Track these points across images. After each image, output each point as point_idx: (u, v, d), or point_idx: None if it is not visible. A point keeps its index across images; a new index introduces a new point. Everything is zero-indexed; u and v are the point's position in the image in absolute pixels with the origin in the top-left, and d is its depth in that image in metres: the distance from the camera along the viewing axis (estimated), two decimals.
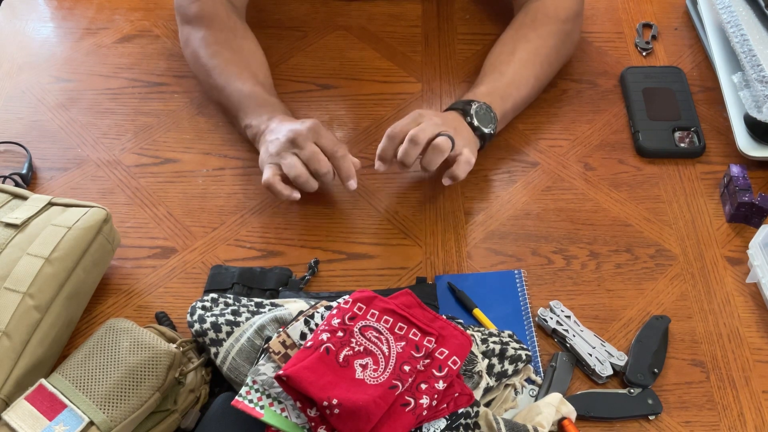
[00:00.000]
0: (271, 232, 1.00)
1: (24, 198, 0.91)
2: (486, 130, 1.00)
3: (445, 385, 0.75)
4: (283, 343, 0.77)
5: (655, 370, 0.86)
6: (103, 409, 0.74)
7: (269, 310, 0.84)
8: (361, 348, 0.76)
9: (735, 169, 1.00)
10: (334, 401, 0.70)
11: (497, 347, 0.83)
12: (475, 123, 0.99)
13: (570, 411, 0.81)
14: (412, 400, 0.73)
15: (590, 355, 0.87)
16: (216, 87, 1.08)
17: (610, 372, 0.86)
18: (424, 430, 0.74)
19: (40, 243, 0.85)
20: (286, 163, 0.94)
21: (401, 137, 0.95)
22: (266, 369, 0.75)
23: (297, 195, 0.94)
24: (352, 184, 0.95)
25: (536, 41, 1.08)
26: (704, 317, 0.92)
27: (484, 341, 0.84)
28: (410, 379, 0.74)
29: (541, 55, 1.08)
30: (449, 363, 0.76)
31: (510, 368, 0.83)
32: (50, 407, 0.74)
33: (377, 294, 0.81)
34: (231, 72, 1.07)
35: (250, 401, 0.74)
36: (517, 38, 1.09)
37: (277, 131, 0.97)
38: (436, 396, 0.74)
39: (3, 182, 1.00)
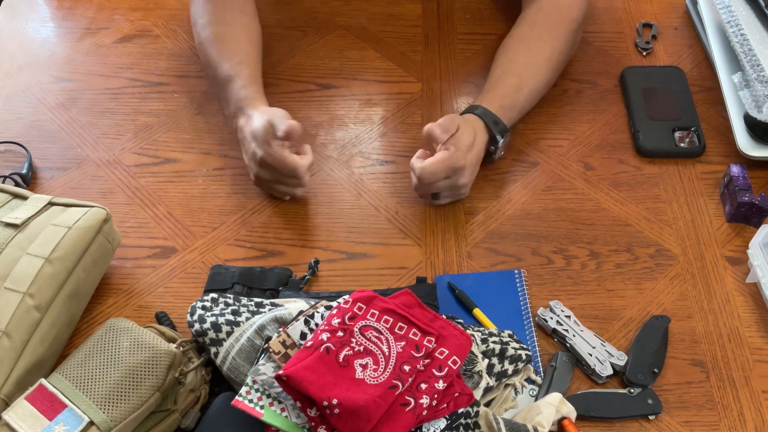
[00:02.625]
0: (271, 232, 1.00)
1: (24, 198, 0.91)
2: (497, 153, 1.03)
3: (445, 384, 0.75)
4: (283, 343, 0.77)
5: (655, 369, 0.86)
6: (103, 409, 0.74)
7: (269, 310, 0.84)
8: (361, 348, 0.76)
9: (735, 169, 1.00)
10: (334, 401, 0.70)
11: (497, 347, 0.83)
12: (497, 154, 1.03)
13: (570, 411, 0.81)
14: (412, 400, 0.73)
15: (590, 354, 0.87)
16: (204, 64, 1.09)
17: (610, 372, 0.86)
18: (424, 430, 0.74)
19: (40, 243, 0.85)
20: (277, 190, 1.01)
21: (434, 139, 0.96)
22: (266, 369, 0.75)
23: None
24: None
25: (551, 43, 1.08)
26: (704, 317, 0.92)
27: (484, 341, 0.84)
28: (410, 379, 0.74)
29: (554, 59, 1.08)
30: (449, 363, 0.76)
31: (510, 368, 0.83)
32: (50, 407, 0.74)
33: (377, 294, 0.81)
34: (216, 50, 1.06)
35: (250, 401, 0.74)
36: (532, 37, 1.08)
37: (244, 140, 1.00)
38: (436, 396, 0.74)
39: (3, 182, 1.00)
